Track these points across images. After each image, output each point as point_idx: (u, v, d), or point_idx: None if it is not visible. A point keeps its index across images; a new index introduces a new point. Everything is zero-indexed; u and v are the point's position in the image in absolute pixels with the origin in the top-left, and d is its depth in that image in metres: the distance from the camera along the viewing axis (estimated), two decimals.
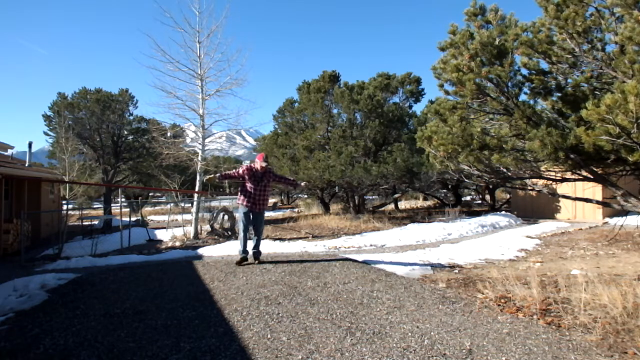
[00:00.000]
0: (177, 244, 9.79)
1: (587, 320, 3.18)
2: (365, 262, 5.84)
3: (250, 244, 5.65)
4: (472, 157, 4.59)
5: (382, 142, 14.75)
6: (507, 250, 7.02)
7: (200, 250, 7.77)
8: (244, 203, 5.34)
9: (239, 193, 5.48)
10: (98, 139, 18.03)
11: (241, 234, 5.45)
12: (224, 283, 4.81)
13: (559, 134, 3.82)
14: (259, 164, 5.35)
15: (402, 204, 23.79)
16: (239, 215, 5.36)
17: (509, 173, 4.72)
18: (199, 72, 11.01)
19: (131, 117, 19.42)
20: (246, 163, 5.47)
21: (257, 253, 5.55)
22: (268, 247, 7.76)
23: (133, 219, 14.14)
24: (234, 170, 5.54)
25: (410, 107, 17.23)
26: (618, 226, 8.33)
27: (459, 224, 10.70)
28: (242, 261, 5.43)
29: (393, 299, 3.98)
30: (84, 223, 14.63)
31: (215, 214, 11.47)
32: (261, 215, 5.54)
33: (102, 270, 5.89)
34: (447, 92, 4.81)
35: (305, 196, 23.00)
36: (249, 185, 5.33)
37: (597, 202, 4.93)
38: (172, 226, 13.20)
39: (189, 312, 3.72)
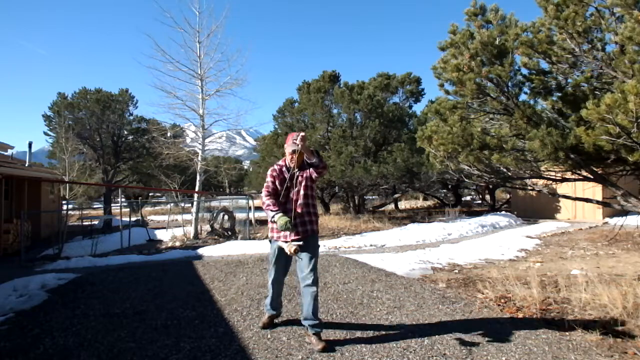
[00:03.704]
0: (177, 244, 9.78)
1: (587, 320, 3.18)
2: (365, 262, 5.84)
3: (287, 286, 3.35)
4: (472, 157, 4.59)
5: (382, 142, 14.75)
6: (507, 250, 7.02)
7: (200, 250, 7.77)
8: (273, 230, 3.10)
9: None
10: (98, 139, 18.01)
11: (269, 282, 3.21)
12: (224, 283, 4.81)
13: (559, 134, 3.82)
14: (289, 148, 3.02)
15: (402, 204, 23.78)
16: (270, 252, 3.19)
17: (509, 173, 4.72)
18: (199, 72, 11.00)
19: (131, 117, 19.39)
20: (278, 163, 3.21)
21: (315, 324, 2.92)
22: (268, 248, 7.75)
23: (133, 219, 14.14)
24: (265, 186, 3.13)
25: (410, 107, 17.25)
26: (618, 226, 8.33)
27: (459, 224, 10.69)
28: (271, 322, 3.28)
29: (393, 299, 3.98)
30: (84, 223, 14.62)
31: (215, 214, 11.46)
32: (309, 247, 2.99)
33: (102, 270, 5.89)
34: (447, 92, 4.81)
35: None
36: (280, 198, 3.06)
37: (597, 202, 4.93)
38: (172, 226, 13.19)
39: (189, 312, 3.72)
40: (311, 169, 3.05)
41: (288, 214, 2.94)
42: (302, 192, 3.06)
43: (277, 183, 3.07)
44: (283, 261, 3.15)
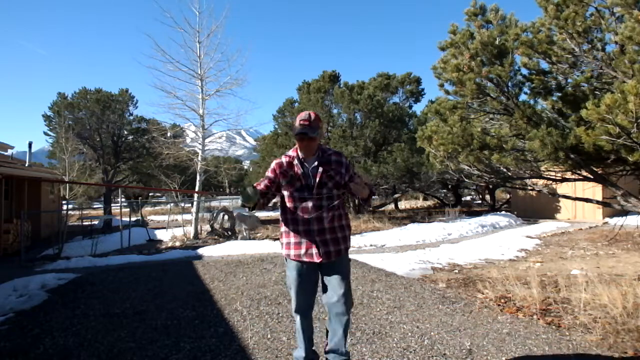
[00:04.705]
0: (177, 244, 9.79)
1: (587, 320, 3.18)
2: (365, 262, 5.84)
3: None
4: (472, 157, 4.59)
5: (382, 142, 14.76)
6: (507, 250, 7.02)
7: (200, 250, 7.78)
8: (289, 247, 2.29)
9: (281, 223, 2.38)
10: (98, 139, 18.02)
11: (297, 323, 2.32)
12: (224, 283, 4.82)
13: (559, 134, 3.82)
14: (296, 131, 2.21)
15: (402, 204, 23.79)
16: (288, 275, 2.33)
17: (509, 173, 4.72)
18: (199, 72, 11.01)
19: (131, 117, 19.41)
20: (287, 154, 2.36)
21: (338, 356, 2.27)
22: (268, 247, 7.76)
23: (133, 219, 14.14)
24: (263, 179, 2.34)
25: (410, 107, 17.26)
26: (618, 226, 8.33)
27: (459, 224, 10.69)
28: None
29: (393, 299, 3.99)
30: (84, 223, 14.62)
31: (215, 214, 11.47)
32: (337, 270, 2.26)
33: (102, 270, 5.90)
34: (447, 92, 4.81)
35: None
36: (289, 202, 2.29)
37: (597, 202, 4.94)
38: (172, 226, 13.20)
39: (189, 312, 3.72)
40: (338, 163, 2.29)
41: (308, 227, 2.21)
42: (326, 196, 2.23)
43: (282, 181, 2.25)
44: (310, 286, 2.26)
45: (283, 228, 2.33)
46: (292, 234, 2.27)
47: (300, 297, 2.26)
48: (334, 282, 2.23)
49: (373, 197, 2.32)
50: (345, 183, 2.26)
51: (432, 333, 3.07)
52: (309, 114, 2.22)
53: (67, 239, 10.18)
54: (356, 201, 16.27)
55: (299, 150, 2.28)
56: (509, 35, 4.21)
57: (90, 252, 8.24)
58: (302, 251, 2.22)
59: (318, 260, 2.20)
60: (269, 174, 2.30)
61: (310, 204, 2.22)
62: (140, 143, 19.25)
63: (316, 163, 2.25)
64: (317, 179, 2.22)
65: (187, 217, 13.41)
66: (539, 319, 3.32)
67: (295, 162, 2.27)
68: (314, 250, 2.20)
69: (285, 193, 2.27)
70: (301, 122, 2.19)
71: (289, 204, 2.27)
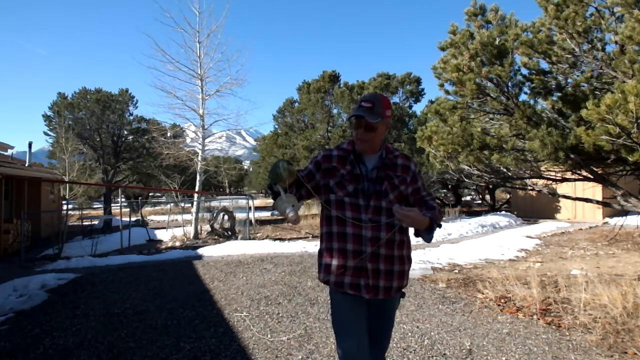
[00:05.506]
0: (177, 244, 9.79)
1: (587, 320, 3.18)
2: None
3: None
4: (472, 157, 4.59)
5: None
6: (507, 250, 7.02)
7: (200, 250, 7.78)
8: (330, 271, 1.64)
9: (322, 238, 1.71)
10: (98, 139, 18.01)
11: None
12: (224, 283, 4.82)
13: (559, 134, 3.82)
14: (359, 105, 1.61)
15: None
16: (333, 311, 1.71)
17: (509, 173, 4.72)
18: (199, 72, 11.01)
19: (131, 117, 19.40)
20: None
21: None
22: (268, 247, 7.76)
23: (133, 219, 14.14)
24: (303, 170, 1.70)
25: (410, 107, 17.25)
26: (618, 226, 8.33)
27: (459, 224, 10.69)
28: None
29: None
30: (84, 223, 14.62)
31: (215, 214, 11.46)
32: (382, 314, 1.71)
33: (102, 271, 5.90)
34: (447, 92, 4.81)
35: None
36: (337, 210, 1.62)
37: (597, 202, 4.93)
38: (172, 226, 13.19)
39: (189, 312, 3.72)
40: (405, 167, 1.69)
41: (359, 247, 1.59)
42: (386, 210, 1.60)
43: (329, 181, 1.65)
44: (361, 324, 1.64)
45: (323, 245, 1.69)
46: (335, 253, 1.62)
47: (349, 340, 1.62)
48: (374, 329, 1.70)
49: (438, 227, 1.63)
50: (407, 196, 1.68)
51: (432, 333, 3.07)
52: (375, 95, 1.64)
53: (67, 239, 10.18)
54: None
55: (355, 144, 1.67)
56: (509, 35, 4.21)
57: (90, 252, 8.24)
58: (347, 280, 1.60)
59: (367, 296, 1.59)
60: (310, 165, 1.70)
61: (364, 216, 1.59)
62: (140, 143, 19.23)
63: (378, 164, 1.65)
64: (376, 186, 1.62)
65: (187, 217, 13.41)
66: (539, 319, 3.32)
67: (351, 158, 1.65)
68: (362, 282, 1.59)
69: (332, 197, 1.64)
70: (362, 103, 1.60)
71: (335, 212, 1.62)
